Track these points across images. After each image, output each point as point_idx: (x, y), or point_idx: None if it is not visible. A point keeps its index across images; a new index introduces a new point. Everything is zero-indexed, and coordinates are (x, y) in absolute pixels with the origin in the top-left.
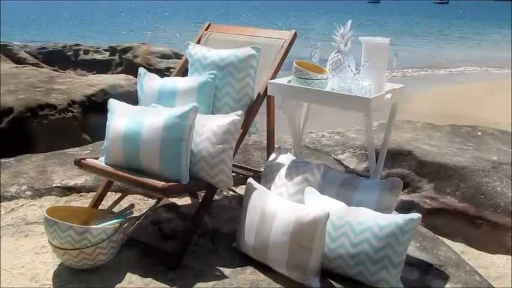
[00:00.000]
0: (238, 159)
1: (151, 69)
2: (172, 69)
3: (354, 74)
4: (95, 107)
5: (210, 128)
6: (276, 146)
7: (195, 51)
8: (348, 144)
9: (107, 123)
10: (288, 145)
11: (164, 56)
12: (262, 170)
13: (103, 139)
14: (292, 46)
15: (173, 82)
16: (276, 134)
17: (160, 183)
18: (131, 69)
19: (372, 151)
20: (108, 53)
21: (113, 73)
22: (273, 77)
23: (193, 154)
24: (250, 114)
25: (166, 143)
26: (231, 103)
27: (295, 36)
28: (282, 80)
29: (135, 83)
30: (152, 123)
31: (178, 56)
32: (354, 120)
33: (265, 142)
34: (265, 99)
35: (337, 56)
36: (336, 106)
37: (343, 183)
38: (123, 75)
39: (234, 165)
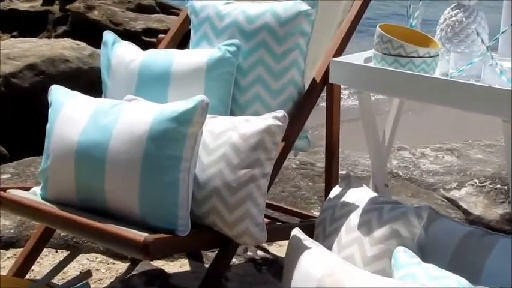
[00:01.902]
0: (275, 193)
1: (119, 31)
2: (161, 35)
3: (487, 48)
4: (17, 97)
5: (228, 139)
6: (341, 172)
7: (204, 5)
8: (470, 171)
9: (47, 127)
10: (362, 171)
11: (143, 9)
12: (316, 214)
13: (36, 154)
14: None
15: (164, 58)
16: (342, 150)
17: (141, 236)
18: (83, 30)
19: None
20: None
21: (50, 36)
22: (339, 52)
23: (200, 184)
24: (298, 116)
25: (152, 165)
26: (265, 96)
27: None
28: (354, 58)
29: (92, 55)
30: (128, 131)
31: (168, 9)
32: (480, 127)
33: (323, 165)
34: (325, 91)
35: (456, 14)
36: (454, 105)
37: (464, 241)
38: (69, 41)
39: (268, 205)
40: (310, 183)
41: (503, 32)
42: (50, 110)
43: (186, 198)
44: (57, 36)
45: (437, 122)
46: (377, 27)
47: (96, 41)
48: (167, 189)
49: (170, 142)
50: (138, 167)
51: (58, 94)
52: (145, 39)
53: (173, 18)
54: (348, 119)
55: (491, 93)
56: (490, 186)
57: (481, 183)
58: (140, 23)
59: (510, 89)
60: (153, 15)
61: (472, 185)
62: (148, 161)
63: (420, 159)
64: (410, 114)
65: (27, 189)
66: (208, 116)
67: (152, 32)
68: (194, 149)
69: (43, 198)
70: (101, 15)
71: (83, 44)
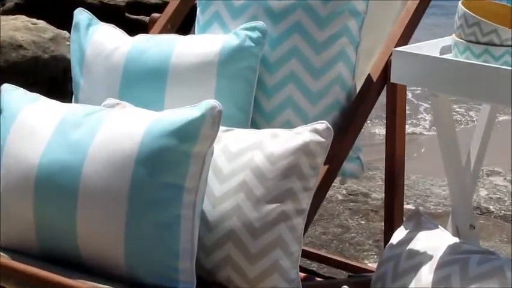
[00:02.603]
0: (315, 236)
1: (93, 5)
2: (154, 14)
3: None
4: None
5: (249, 161)
6: (406, 206)
7: None
8: None
9: None
10: (436, 204)
11: None
12: (372, 266)
13: None
14: None
15: (159, 48)
16: (407, 175)
17: None
18: (42, 3)
19: None
20: None
21: None
22: (405, 39)
23: (209, 225)
24: (346, 129)
25: (142, 199)
26: (301, 101)
27: None
28: (426, 47)
29: (56, 40)
30: (109, 149)
31: None
32: None
33: (379, 196)
34: (384, 93)
35: None
36: None
37: None
38: (22, 19)
39: (304, 253)
40: (362, 222)
41: None
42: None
43: (190, 245)
44: (5, 12)
45: None
46: (459, 3)
47: (60, 19)
48: (164, 232)
49: (168, 166)
50: (123, 201)
51: (11, 97)
52: (130, 16)
53: None
54: (413, 127)
55: None
56: None
57: None
58: None
59: None
60: None
61: None
62: (137, 192)
63: None
64: (504, 123)
65: None
66: (221, 129)
67: (140, 7)
68: (201, 175)
69: None
70: None
71: (42, 23)
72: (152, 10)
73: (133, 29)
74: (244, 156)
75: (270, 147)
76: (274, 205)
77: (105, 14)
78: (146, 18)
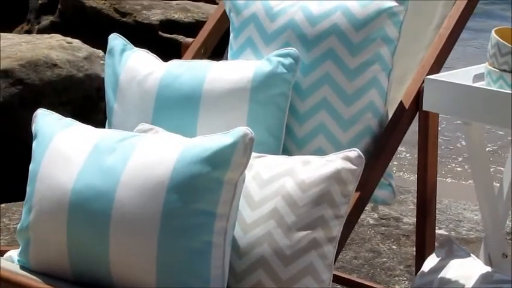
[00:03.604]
0: (345, 260)
1: (127, 23)
2: (188, 39)
3: None
4: None
5: (281, 188)
6: (438, 231)
7: None
8: None
9: (30, 167)
10: (468, 230)
11: None
12: None
13: (12, 200)
14: None
15: (192, 73)
16: (439, 199)
17: None
18: (77, 22)
19: None
20: None
21: (31, 31)
22: (437, 66)
23: (240, 251)
24: (378, 156)
25: (174, 225)
26: (333, 128)
27: None
28: (458, 75)
29: (90, 58)
30: (142, 176)
31: None
32: None
33: (411, 221)
34: (417, 121)
35: None
36: None
37: None
38: (57, 38)
39: (335, 278)
40: (394, 247)
41: None
42: (34, 144)
43: (221, 271)
44: (41, 31)
45: None
46: (492, 32)
47: (95, 38)
48: (195, 258)
49: (199, 193)
50: (155, 227)
51: (45, 122)
52: (163, 35)
53: (203, 6)
54: (445, 150)
55: None
56: None
57: None
58: (157, 12)
59: None
60: (174, 2)
61: None
62: (169, 218)
63: None
64: None
65: (0, 253)
66: (253, 155)
67: (173, 25)
68: (233, 202)
69: (22, 267)
70: (102, 2)
71: (76, 42)
72: (185, 29)
73: (166, 47)
74: (275, 183)
75: (302, 175)
76: (305, 232)
77: (139, 33)
78: (179, 37)
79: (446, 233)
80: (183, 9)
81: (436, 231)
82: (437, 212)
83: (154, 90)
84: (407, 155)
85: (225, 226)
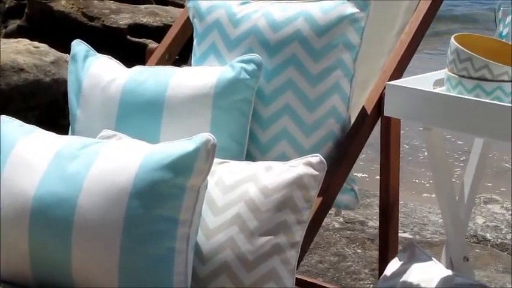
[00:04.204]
0: (311, 265)
1: (95, 27)
2: (152, 46)
3: None
4: None
5: (243, 194)
6: (403, 235)
7: (212, 5)
8: None
9: None
10: (433, 233)
11: None
12: None
13: None
14: None
15: (156, 80)
16: (405, 202)
17: None
18: (45, 26)
19: None
20: None
21: None
22: (398, 72)
23: (203, 257)
24: (341, 161)
25: (137, 232)
26: (295, 133)
27: None
28: (419, 81)
29: (58, 63)
30: (104, 182)
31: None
32: None
33: (377, 225)
34: (379, 127)
35: None
36: None
37: None
38: (24, 42)
39: (299, 282)
40: (359, 251)
41: None
42: None
43: (184, 277)
44: (8, 35)
45: None
46: (452, 38)
47: (62, 42)
48: (158, 264)
49: (162, 199)
50: (117, 234)
51: (7, 129)
52: (131, 39)
53: (171, 10)
54: (411, 154)
55: None
56: None
57: None
58: (125, 16)
59: None
60: (142, 6)
61: None
62: (131, 225)
63: None
64: (501, 146)
65: None
66: (216, 161)
67: (142, 30)
68: (195, 208)
69: None
70: (70, 6)
71: (43, 47)
72: (154, 33)
73: (135, 51)
74: (238, 189)
75: (264, 180)
76: (267, 238)
77: (107, 37)
78: (148, 41)
79: (411, 237)
80: (151, 13)
81: (401, 234)
82: (402, 215)
83: (117, 97)
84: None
85: (187, 232)
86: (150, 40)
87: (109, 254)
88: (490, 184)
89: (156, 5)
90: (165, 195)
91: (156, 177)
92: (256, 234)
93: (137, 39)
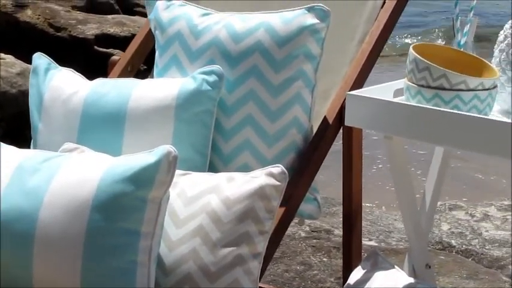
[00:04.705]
0: (277, 274)
1: (62, 38)
2: (114, 57)
3: None
4: None
5: (206, 206)
6: (368, 242)
7: (173, 17)
8: None
9: None
10: (398, 240)
11: (96, 8)
12: None
13: None
14: (407, 3)
15: (118, 92)
16: (371, 210)
17: None
18: (10, 37)
19: None
20: None
21: None
22: (359, 82)
23: (166, 269)
24: (303, 171)
25: (98, 245)
26: (257, 144)
27: None
28: (379, 91)
29: (24, 74)
30: (66, 196)
31: (131, 7)
32: None
33: (341, 233)
34: (341, 136)
35: None
36: None
37: None
38: None
39: None
40: (325, 259)
41: None
42: None
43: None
44: None
45: (505, 166)
46: (410, 47)
47: (29, 54)
48: (120, 277)
49: (124, 212)
50: (79, 247)
51: None
52: (99, 49)
53: (139, 20)
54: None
55: None
56: None
57: None
58: (92, 27)
59: None
60: (110, 16)
61: None
62: (93, 238)
63: (481, 222)
64: (466, 156)
65: None
66: (178, 172)
67: (109, 40)
68: (157, 220)
69: None
70: (36, 17)
71: (9, 58)
72: (121, 43)
73: (102, 62)
74: (200, 200)
75: (226, 191)
76: (230, 249)
77: (74, 48)
78: (115, 51)
79: (377, 244)
80: (118, 23)
81: (366, 242)
82: (368, 223)
83: (79, 109)
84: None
85: (149, 245)
86: (117, 50)
87: (71, 267)
88: (454, 190)
89: (124, 15)
90: (126, 208)
91: (118, 190)
92: (219, 246)
93: (105, 50)
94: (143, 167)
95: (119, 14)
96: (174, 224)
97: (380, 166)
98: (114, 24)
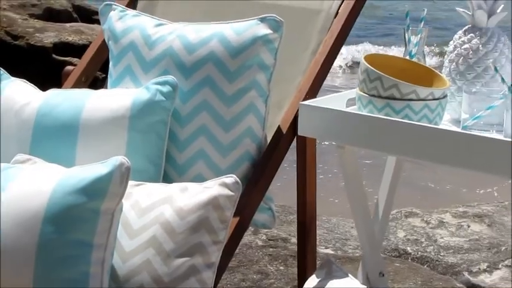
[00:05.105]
0: (234, 283)
1: (20, 46)
2: (68, 67)
3: (510, 88)
4: None
5: (159, 216)
6: (324, 250)
7: (127, 27)
8: (506, 246)
9: None
10: (354, 248)
11: (54, 16)
12: None
13: None
14: (359, 13)
15: (71, 102)
16: (328, 218)
17: None
18: None
19: None
20: None
21: None
22: (313, 91)
23: (119, 280)
24: (257, 180)
25: (50, 257)
26: (212, 154)
27: None
28: (332, 100)
29: None
30: (17, 207)
31: (89, 15)
32: None
33: (295, 241)
34: (295, 146)
35: (470, 40)
36: (468, 166)
37: None
38: None
39: None
40: (281, 268)
41: None
42: None
43: None
44: None
45: (460, 174)
46: (361, 58)
47: None
48: (72, 286)
49: (76, 223)
50: (31, 259)
51: None
52: (57, 58)
53: (97, 28)
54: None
55: None
56: None
57: None
58: (50, 35)
59: None
60: (68, 25)
61: (509, 266)
62: (45, 250)
63: (437, 229)
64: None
65: None
66: (132, 183)
67: (67, 48)
68: (110, 231)
69: None
70: None
71: None
72: (80, 51)
73: (60, 70)
74: (154, 211)
75: (180, 202)
76: (183, 259)
77: (32, 56)
78: (74, 60)
79: (333, 252)
80: (76, 31)
81: (323, 250)
82: (325, 231)
83: (31, 120)
84: None
85: (102, 256)
86: (76, 59)
87: (22, 280)
88: (409, 198)
89: (82, 23)
90: (79, 220)
91: (70, 202)
92: (172, 256)
93: (63, 58)
94: (95, 178)
95: (77, 22)
96: (128, 235)
97: (321, 177)
98: (72, 32)
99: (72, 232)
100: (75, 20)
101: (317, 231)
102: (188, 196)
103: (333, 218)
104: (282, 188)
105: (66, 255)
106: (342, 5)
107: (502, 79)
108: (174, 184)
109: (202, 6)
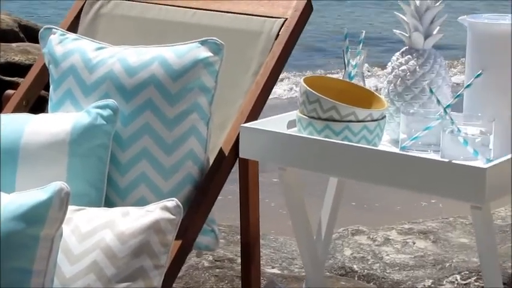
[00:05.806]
0: None
1: None
2: (8, 91)
3: (445, 109)
4: None
5: (100, 241)
6: (271, 270)
7: (67, 51)
8: (451, 262)
9: None
10: (301, 267)
11: (0, 35)
12: None
13: None
14: (300, 34)
15: (11, 127)
16: (275, 237)
17: None
18: None
19: (493, 279)
20: None
21: None
22: (254, 113)
23: None
24: (199, 203)
25: None
26: (154, 177)
27: (307, 10)
28: (273, 122)
29: None
30: None
31: (37, 35)
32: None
33: (239, 261)
34: (237, 168)
35: (408, 62)
36: (406, 187)
37: None
38: None
39: None
40: None
41: (467, 87)
42: None
43: None
44: None
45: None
46: (301, 80)
47: None
48: None
49: (15, 250)
50: None
51: None
52: (3, 78)
53: None
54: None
55: (452, 170)
56: (476, 283)
57: (464, 279)
58: None
59: (483, 166)
60: (14, 44)
61: (453, 282)
62: None
63: (382, 246)
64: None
65: None
66: (72, 208)
67: (14, 68)
68: (50, 257)
69: None
70: None
71: None
72: (27, 72)
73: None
74: (95, 236)
75: (121, 226)
76: (125, 284)
77: None
78: (20, 80)
79: (280, 272)
80: (23, 51)
81: (269, 270)
82: (271, 250)
83: None
84: None
85: (42, 282)
86: (22, 79)
87: None
88: (355, 215)
89: (29, 43)
90: (17, 246)
91: (8, 228)
92: (114, 281)
93: (10, 78)
94: (34, 204)
95: (24, 41)
96: (68, 260)
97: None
98: (18, 52)
99: (10, 259)
100: (21, 40)
101: (264, 251)
102: (129, 220)
103: (280, 237)
104: (228, 207)
105: (5, 282)
106: (283, 27)
107: (438, 101)
108: (115, 208)
109: (144, 27)
